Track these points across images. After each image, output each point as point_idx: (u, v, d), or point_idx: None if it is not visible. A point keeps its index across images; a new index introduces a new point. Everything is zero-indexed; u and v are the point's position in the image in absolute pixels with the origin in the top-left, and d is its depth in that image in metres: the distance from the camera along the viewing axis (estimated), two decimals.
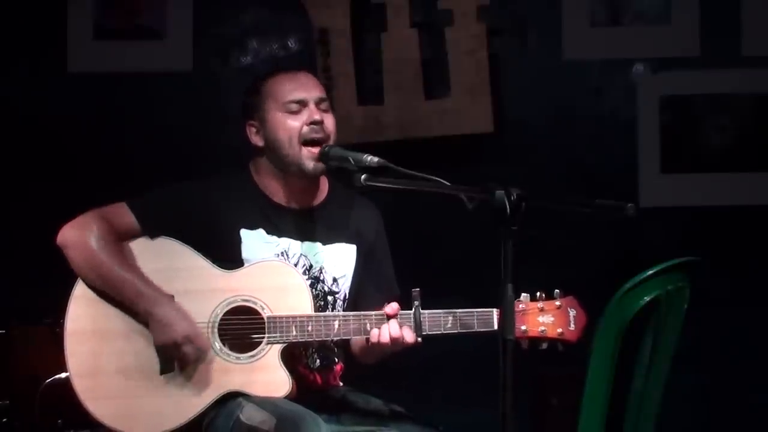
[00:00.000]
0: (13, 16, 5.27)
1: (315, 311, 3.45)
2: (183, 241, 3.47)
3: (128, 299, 3.40)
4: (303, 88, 3.53)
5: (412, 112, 5.25)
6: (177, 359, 3.39)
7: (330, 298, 3.56)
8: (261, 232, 3.51)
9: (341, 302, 3.57)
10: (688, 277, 3.51)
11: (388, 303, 3.50)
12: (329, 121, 3.52)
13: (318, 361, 3.56)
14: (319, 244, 3.56)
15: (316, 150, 3.48)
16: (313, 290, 3.50)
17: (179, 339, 3.36)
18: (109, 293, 3.42)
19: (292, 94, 3.51)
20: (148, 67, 5.32)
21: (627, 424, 3.53)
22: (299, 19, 5.29)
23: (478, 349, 3.46)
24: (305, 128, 3.49)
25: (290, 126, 3.50)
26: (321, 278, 3.56)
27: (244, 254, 3.48)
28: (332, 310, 3.55)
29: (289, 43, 5.36)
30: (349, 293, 3.59)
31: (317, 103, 3.52)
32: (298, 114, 3.50)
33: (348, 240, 3.60)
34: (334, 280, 3.57)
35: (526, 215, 2.96)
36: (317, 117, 3.49)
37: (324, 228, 3.58)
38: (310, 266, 3.54)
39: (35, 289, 4.31)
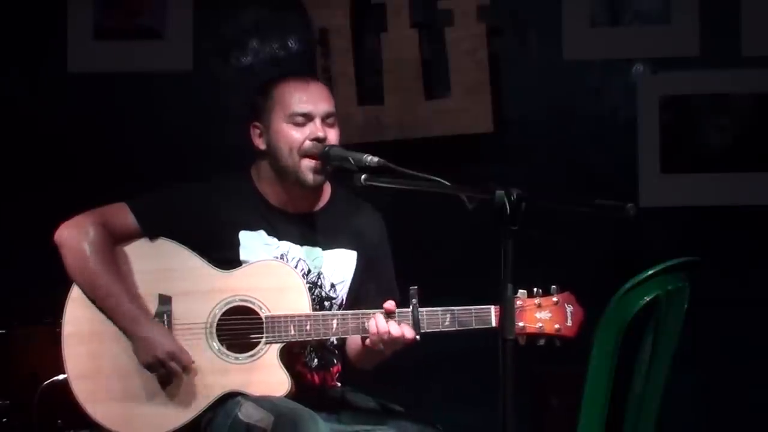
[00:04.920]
0: (13, 16, 5.27)
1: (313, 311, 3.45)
2: (182, 243, 3.47)
3: (110, 313, 3.41)
4: (312, 100, 3.50)
5: (412, 112, 5.25)
6: (163, 375, 3.39)
7: (327, 303, 3.56)
8: (262, 233, 3.51)
9: (337, 308, 3.56)
10: (688, 277, 3.50)
11: None
12: (332, 137, 3.50)
13: (316, 360, 3.56)
14: (318, 249, 3.56)
15: (316, 162, 3.47)
16: (310, 295, 3.50)
17: (162, 357, 3.37)
18: (92, 299, 3.43)
19: (299, 106, 3.49)
20: (148, 67, 5.31)
21: (627, 424, 3.53)
22: (299, 19, 5.29)
23: (477, 347, 3.46)
24: (307, 143, 3.48)
25: (293, 138, 3.48)
26: (319, 283, 3.55)
27: (243, 256, 3.48)
28: None
29: (289, 43, 5.36)
30: (347, 299, 3.58)
31: (324, 118, 3.50)
32: (302, 127, 3.49)
33: (349, 246, 3.59)
34: (332, 285, 3.57)
35: (526, 215, 2.95)
36: (321, 134, 3.47)
37: (324, 233, 3.57)
38: (309, 271, 3.54)
39: (35, 289, 4.31)
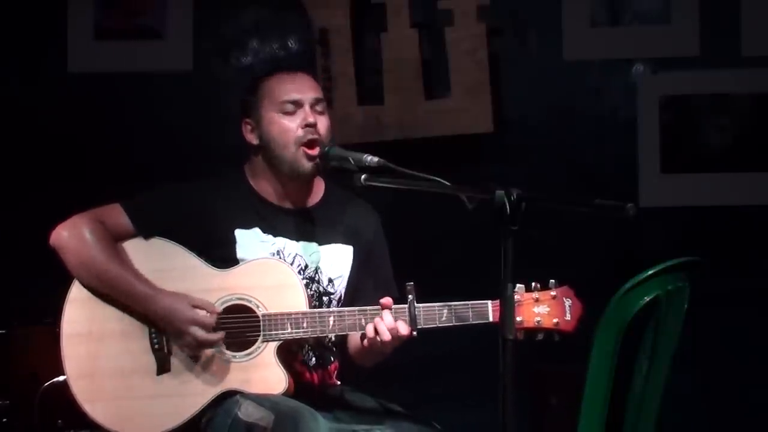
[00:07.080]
0: (13, 16, 5.27)
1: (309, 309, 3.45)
2: (178, 242, 3.47)
3: (124, 298, 3.41)
4: (299, 88, 3.52)
5: (412, 112, 5.25)
6: (195, 346, 3.39)
7: (325, 298, 3.56)
8: (257, 230, 3.51)
9: (336, 303, 3.57)
10: (688, 277, 3.50)
11: None
12: (323, 124, 3.51)
13: (314, 359, 3.56)
14: (315, 245, 3.56)
15: (312, 151, 3.48)
16: (308, 290, 3.50)
17: (182, 327, 3.37)
18: (104, 292, 3.43)
19: (287, 95, 3.51)
20: (148, 67, 5.32)
21: (627, 423, 3.52)
22: (299, 19, 5.30)
23: (477, 347, 3.46)
24: (300, 131, 3.49)
25: (286, 127, 3.50)
26: (316, 278, 3.55)
27: (239, 254, 3.48)
28: None
29: (289, 43, 5.36)
30: (345, 294, 3.59)
31: (312, 105, 3.51)
32: (293, 115, 3.50)
33: (345, 241, 3.60)
34: (330, 280, 3.57)
35: (526, 215, 2.95)
36: (311, 119, 3.49)
37: (321, 228, 3.58)
38: (306, 266, 3.54)
39: (35, 289, 4.31)
